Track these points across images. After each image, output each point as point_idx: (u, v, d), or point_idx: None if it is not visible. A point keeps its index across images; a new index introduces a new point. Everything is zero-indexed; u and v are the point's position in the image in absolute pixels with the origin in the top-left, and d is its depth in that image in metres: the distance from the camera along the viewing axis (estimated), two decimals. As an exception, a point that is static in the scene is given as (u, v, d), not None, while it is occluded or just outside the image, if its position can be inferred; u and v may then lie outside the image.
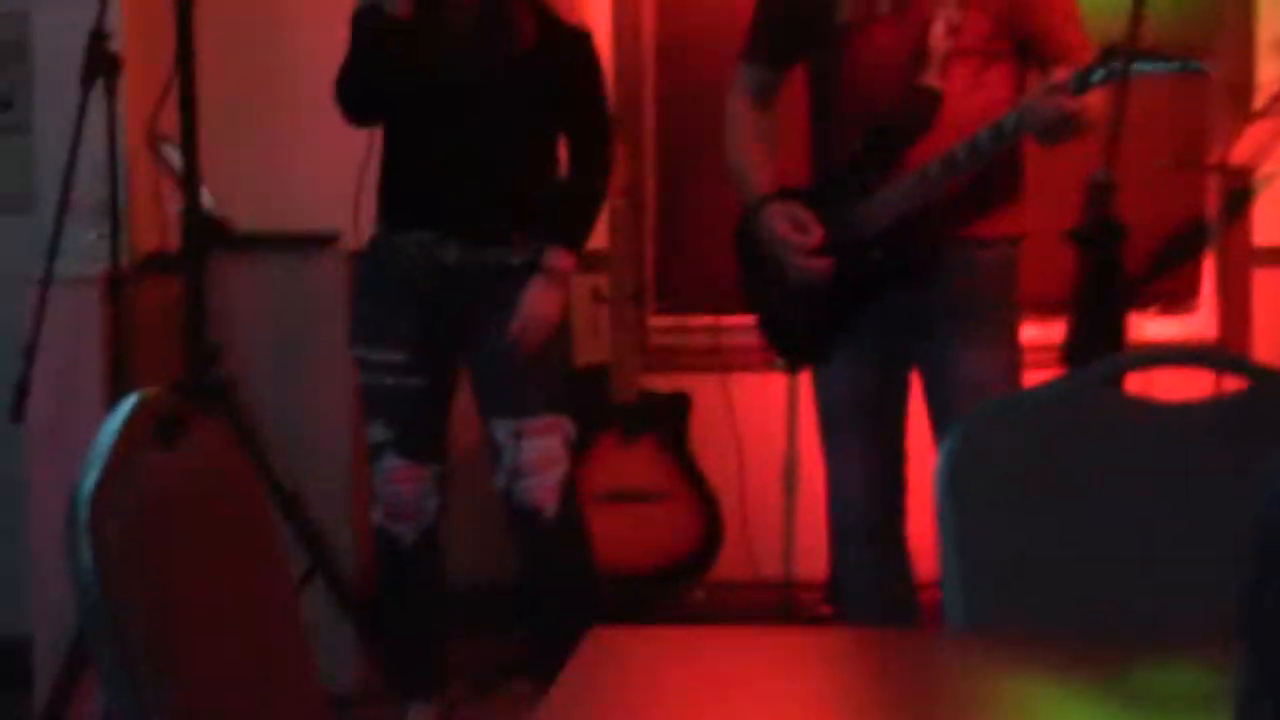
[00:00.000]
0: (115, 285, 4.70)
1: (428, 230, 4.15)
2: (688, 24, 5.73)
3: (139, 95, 5.07)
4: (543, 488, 4.21)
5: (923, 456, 3.80)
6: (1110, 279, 3.29)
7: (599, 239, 5.20)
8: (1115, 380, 2.40)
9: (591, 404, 5.13)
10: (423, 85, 4.09)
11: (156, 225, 5.17)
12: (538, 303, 4.13)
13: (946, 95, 3.72)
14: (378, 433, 4.26)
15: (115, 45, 4.61)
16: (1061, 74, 3.54)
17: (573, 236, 4.20)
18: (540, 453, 4.19)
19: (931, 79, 3.72)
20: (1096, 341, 3.27)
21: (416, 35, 4.01)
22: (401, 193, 4.21)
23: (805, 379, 4.22)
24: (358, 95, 4.12)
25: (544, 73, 4.12)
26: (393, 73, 4.05)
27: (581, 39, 4.21)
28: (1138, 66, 3.34)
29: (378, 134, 4.26)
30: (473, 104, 4.09)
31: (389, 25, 3.98)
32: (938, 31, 3.72)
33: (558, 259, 4.15)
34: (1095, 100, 3.59)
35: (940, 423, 3.90)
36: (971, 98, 3.73)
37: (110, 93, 4.60)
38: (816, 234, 3.83)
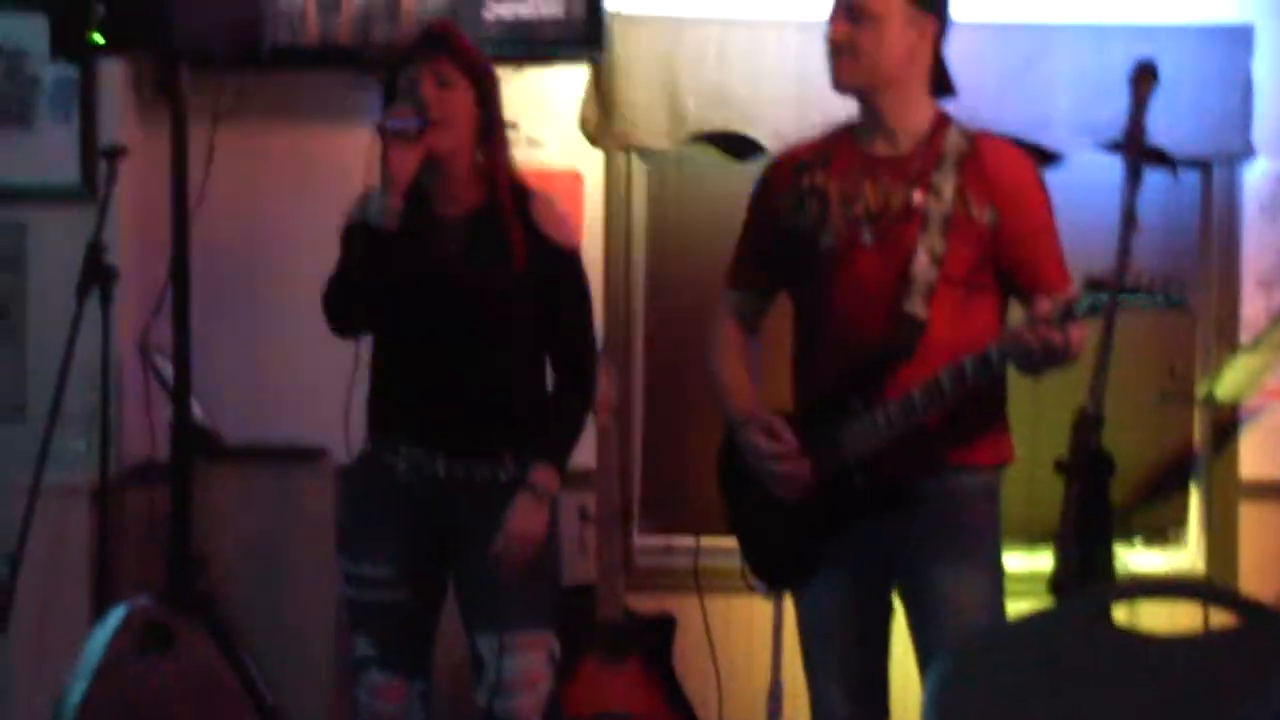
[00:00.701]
0: (102, 494, 4.70)
1: (416, 445, 4.15)
2: (678, 250, 5.79)
3: (132, 306, 5.11)
4: (525, 706, 4.17)
5: (906, 681, 3.80)
6: (1098, 510, 3.29)
7: (586, 457, 5.21)
8: (1104, 611, 2.40)
9: (576, 623, 5.11)
10: (412, 302, 4.10)
11: (145, 435, 5.19)
12: (522, 520, 4.11)
13: (930, 324, 3.74)
14: (362, 647, 4.22)
15: (111, 256, 4.66)
16: (1044, 306, 3.57)
17: (557, 453, 4.20)
18: (524, 670, 4.15)
19: (915, 308, 3.75)
20: (1084, 572, 3.26)
21: (406, 250, 4.03)
22: (390, 407, 4.21)
23: (791, 603, 4.20)
24: (344, 308, 4.13)
25: (533, 292, 4.15)
26: (380, 287, 4.07)
27: (571, 259, 4.23)
28: (1120, 300, 3.36)
29: (364, 347, 4.28)
30: (463, 321, 4.11)
31: (378, 238, 4.01)
32: (921, 260, 3.75)
33: (543, 476, 4.14)
34: (1078, 333, 3.62)
35: (923, 648, 3.88)
36: (955, 327, 3.75)
37: (105, 303, 4.64)
38: (790, 440, 3.84)
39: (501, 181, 4.14)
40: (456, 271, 4.10)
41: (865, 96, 3.87)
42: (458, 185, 4.13)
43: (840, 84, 3.87)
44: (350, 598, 4.25)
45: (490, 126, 4.14)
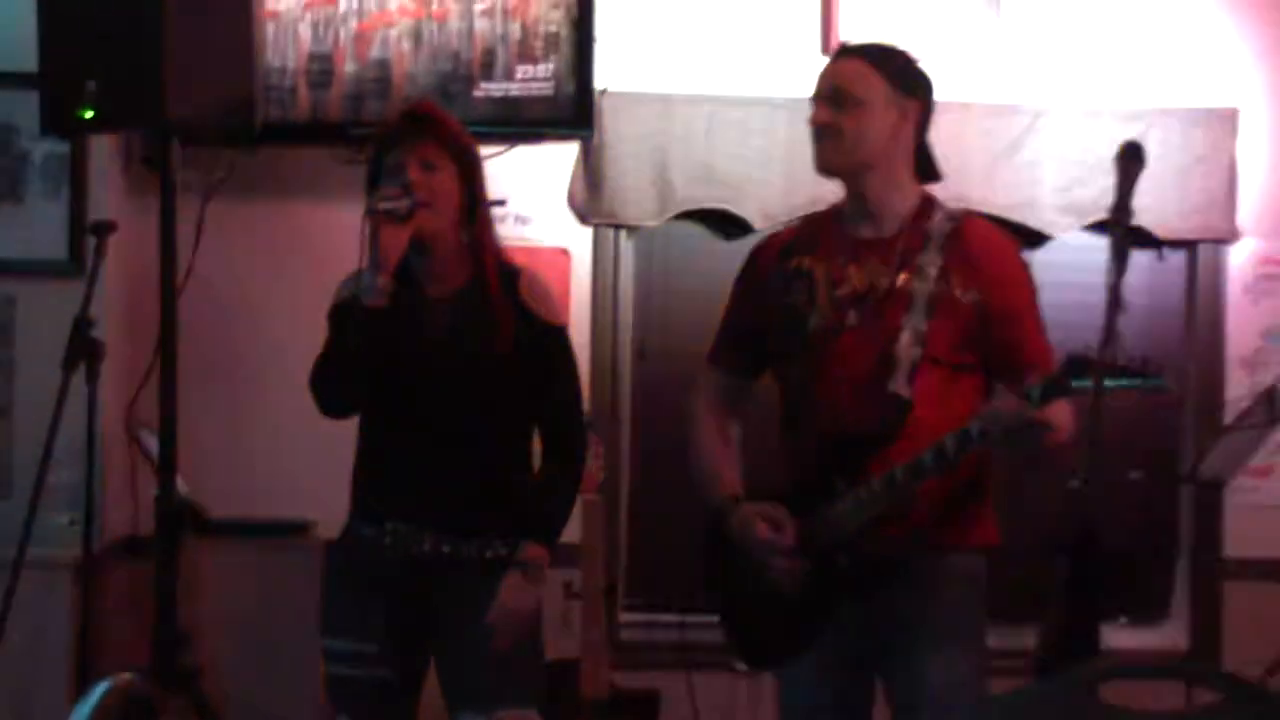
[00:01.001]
0: (86, 569, 4.69)
1: (402, 522, 4.14)
2: (665, 326, 5.81)
3: (118, 381, 5.11)
4: (508, 783, 4.16)
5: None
6: (1084, 588, 3.30)
7: (572, 534, 5.20)
8: (1090, 689, 2.40)
9: (560, 699, 5.09)
10: (400, 380, 4.10)
11: (130, 510, 5.18)
12: (513, 596, 4.10)
13: (915, 404, 3.74)
14: (345, 725, 4.21)
15: (98, 331, 4.66)
16: (1026, 383, 3.57)
17: (548, 530, 4.19)
18: (507, 747, 4.14)
19: (900, 387, 3.75)
20: (1069, 650, 3.27)
21: (395, 330, 4.03)
22: (377, 484, 4.20)
23: (772, 681, 4.18)
24: (334, 388, 4.13)
25: (522, 369, 4.15)
26: (368, 367, 4.07)
27: (558, 336, 4.24)
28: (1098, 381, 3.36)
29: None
30: (451, 399, 4.11)
31: (366, 317, 4.01)
32: (905, 340, 3.76)
33: (534, 553, 4.13)
34: (1061, 414, 3.61)
35: (904, 732, 3.88)
36: (940, 407, 3.74)
37: (91, 378, 4.64)
38: (790, 533, 3.84)
39: (488, 260, 4.15)
40: (445, 350, 4.10)
41: (849, 179, 3.89)
42: (444, 265, 4.14)
43: (823, 168, 3.88)
44: (331, 674, 4.22)
45: (474, 205, 4.16)
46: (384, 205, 3.99)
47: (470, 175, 4.15)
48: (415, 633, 4.18)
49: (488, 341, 4.10)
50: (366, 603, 4.15)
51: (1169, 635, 5.84)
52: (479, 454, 4.13)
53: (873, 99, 3.82)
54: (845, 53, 3.91)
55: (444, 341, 4.11)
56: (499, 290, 4.13)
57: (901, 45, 3.93)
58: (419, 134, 4.10)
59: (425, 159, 4.08)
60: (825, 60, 3.92)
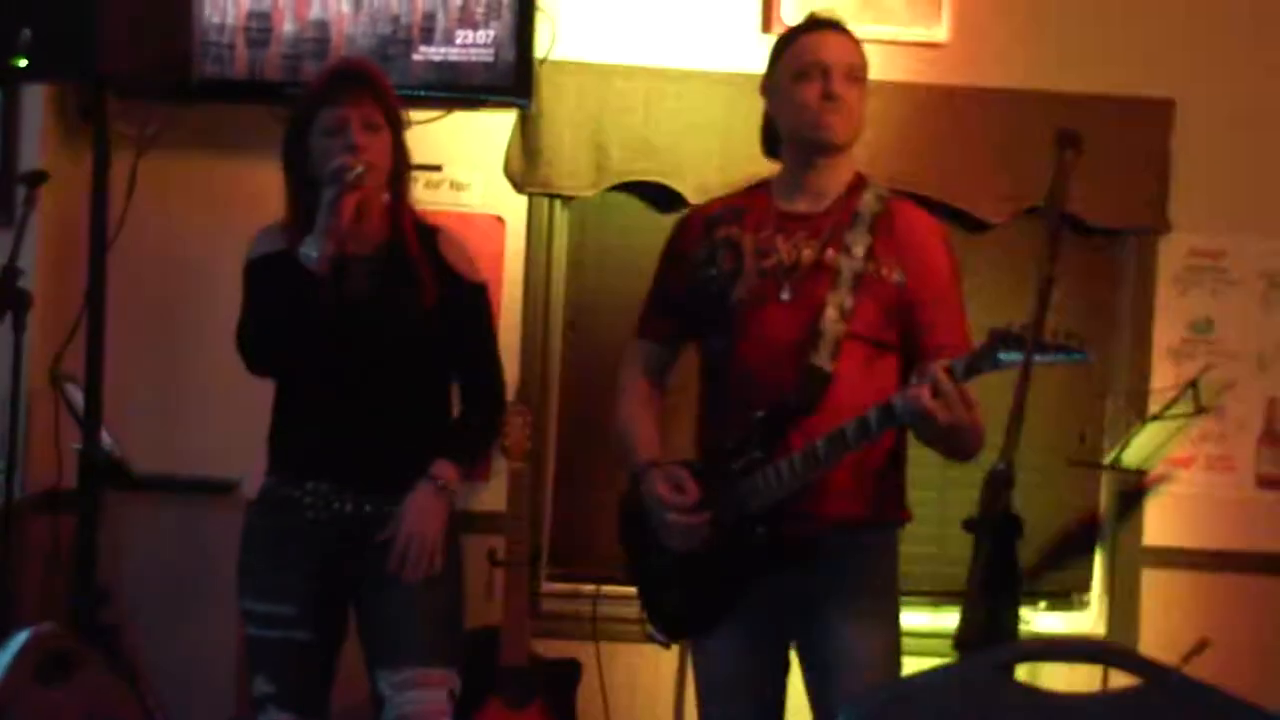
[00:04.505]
0: (6, 520, 4.66)
1: (323, 481, 4.13)
2: (597, 297, 5.80)
3: (46, 332, 5.07)
4: (426, 742, 4.16)
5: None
6: (1005, 570, 3.31)
7: (496, 502, 5.21)
8: (1007, 668, 2.41)
9: (481, 666, 5.09)
10: (325, 340, 4.09)
11: (52, 463, 5.14)
12: (419, 509, 4.08)
13: (836, 378, 3.76)
14: (261, 685, 4.18)
15: (26, 282, 4.63)
16: (951, 359, 3.55)
17: (459, 453, 4.17)
18: (424, 705, 4.12)
19: (822, 361, 3.77)
20: (989, 631, 3.28)
21: (323, 291, 4.02)
22: (297, 443, 4.19)
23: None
24: (265, 348, 4.11)
25: (442, 328, 4.15)
26: (304, 328, 4.05)
27: (479, 292, 4.25)
28: (1019, 355, 3.37)
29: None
30: (373, 359, 4.10)
31: (307, 280, 3.98)
32: (830, 315, 3.78)
33: (443, 468, 4.11)
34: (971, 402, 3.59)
35: (818, 704, 3.89)
36: (861, 383, 3.76)
37: (18, 328, 4.61)
38: (692, 492, 3.84)
39: (406, 219, 4.16)
40: (367, 308, 4.10)
41: (835, 152, 3.89)
42: (369, 225, 4.13)
43: (837, 140, 3.87)
44: (250, 635, 4.21)
45: (401, 168, 4.16)
46: (352, 175, 3.95)
47: (400, 137, 4.16)
48: (334, 593, 4.18)
49: (411, 299, 4.10)
50: (286, 563, 4.14)
51: (1088, 621, 5.88)
52: (399, 412, 4.13)
53: (866, 77, 3.91)
54: (839, 29, 3.93)
55: (366, 300, 4.10)
56: (419, 248, 4.13)
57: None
58: (362, 93, 4.08)
59: (367, 120, 4.06)
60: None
